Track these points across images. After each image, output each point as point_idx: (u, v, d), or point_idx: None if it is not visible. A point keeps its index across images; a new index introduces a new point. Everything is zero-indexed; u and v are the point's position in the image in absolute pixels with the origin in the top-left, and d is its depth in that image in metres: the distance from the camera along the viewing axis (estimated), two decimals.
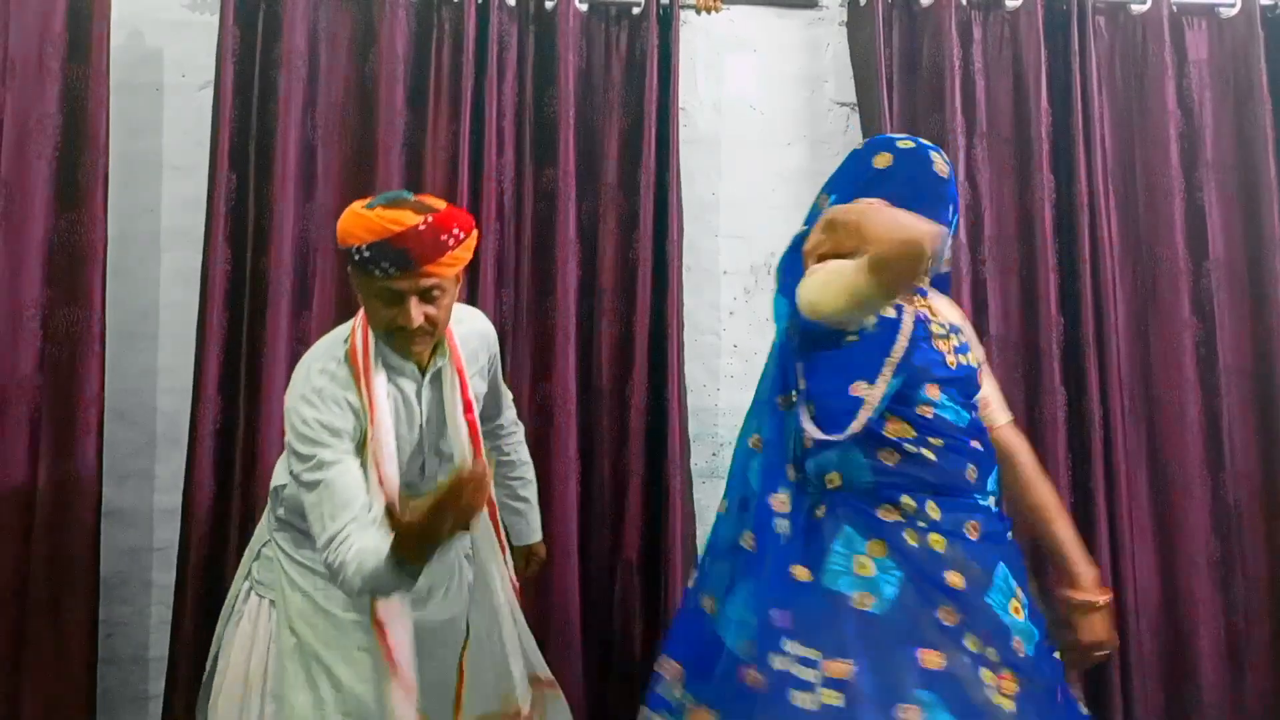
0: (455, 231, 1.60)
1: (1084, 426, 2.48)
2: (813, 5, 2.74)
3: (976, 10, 2.65)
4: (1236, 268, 2.63)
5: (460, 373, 1.75)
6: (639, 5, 2.55)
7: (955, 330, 1.66)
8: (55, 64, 2.34)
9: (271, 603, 1.78)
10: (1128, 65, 2.68)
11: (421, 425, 1.73)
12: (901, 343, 1.56)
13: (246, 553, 1.87)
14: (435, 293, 1.61)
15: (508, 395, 2.07)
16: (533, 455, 2.43)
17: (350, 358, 1.65)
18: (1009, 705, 1.44)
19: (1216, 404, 2.57)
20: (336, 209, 2.42)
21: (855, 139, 2.71)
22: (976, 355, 1.70)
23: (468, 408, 1.76)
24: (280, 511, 1.78)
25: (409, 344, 1.65)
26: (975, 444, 1.59)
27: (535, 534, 2.10)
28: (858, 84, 2.69)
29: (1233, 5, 2.67)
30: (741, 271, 2.68)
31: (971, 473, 1.57)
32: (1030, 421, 2.51)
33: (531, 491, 2.09)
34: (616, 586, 2.42)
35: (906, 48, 2.63)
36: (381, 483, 1.62)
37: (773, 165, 2.71)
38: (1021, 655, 1.49)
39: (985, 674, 1.45)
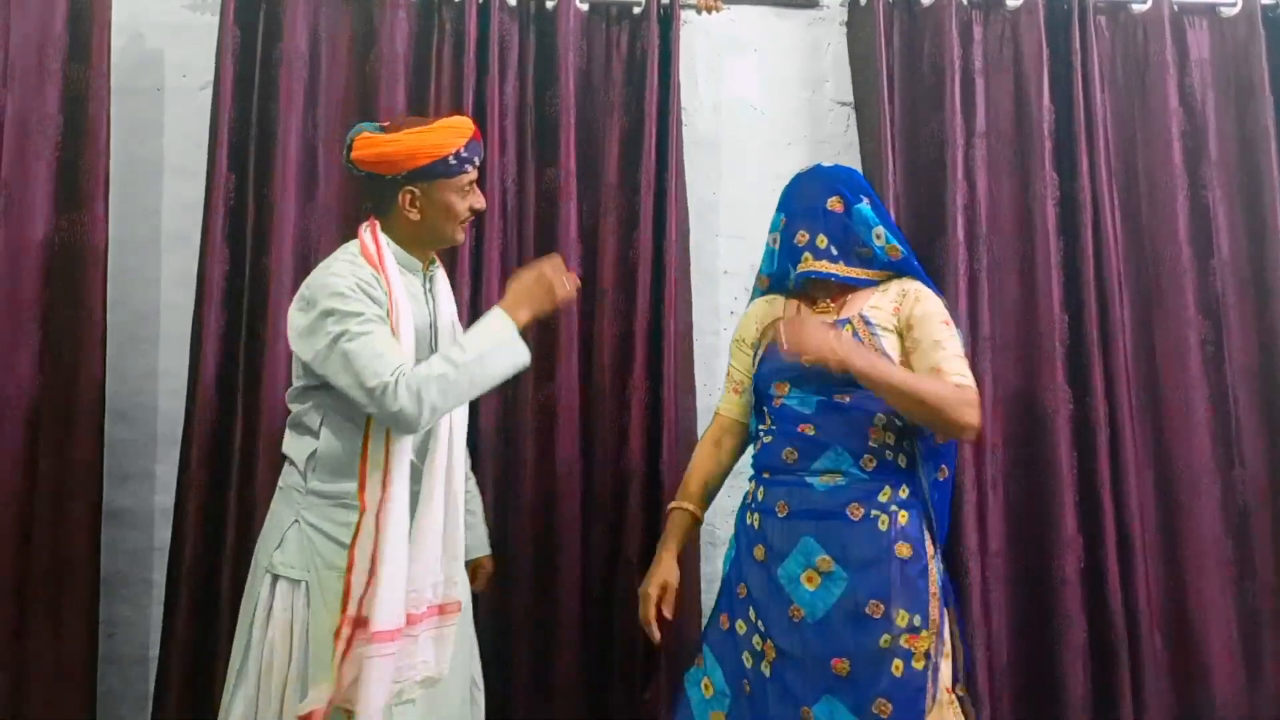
0: None
1: (1089, 425, 2.47)
2: (813, 5, 2.74)
3: (977, 9, 2.64)
4: (1241, 266, 2.62)
5: (449, 294, 1.93)
6: (640, 5, 2.56)
7: (838, 325, 1.84)
8: (56, 65, 2.35)
9: (306, 585, 1.73)
10: (1129, 64, 2.67)
11: (429, 322, 1.85)
12: (740, 360, 2.03)
13: (260, 547, 1.81)
14: None
15: None
16: (536, 454, 2.45)
17: (365, 257, 1.77)
18: (767, 671, 1.77)
19: (1224, 402, 2.56)
20: (337, 209, 2.45)
21: (855, 139, 2.71)
22: (882, 342, 1.83)
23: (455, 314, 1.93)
24: (314, 482, 1.76)
25: (462, 230, 1.87)
26: (804, 428, 1.84)
27: (484, 548, 2.09)
28: (856, 85, 2.69)
29: (1233, 4, 2.67)
30: (741, 272, 2.68)
31: (790, 454, 1.84)
32: (1034, 420, 2.51)
33: (478, 504, 2.08)
34: (617, 586, 2.41)
35: (907, 47, 2.63)
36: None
37: (773, 165, 2.70)
38: (796, 621, 1.76)
39: (756, 640, 1.80)
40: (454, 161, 1.81)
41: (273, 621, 1.72)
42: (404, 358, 1.69)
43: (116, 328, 2.37)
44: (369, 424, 1.71)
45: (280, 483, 1.82)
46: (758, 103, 2.72)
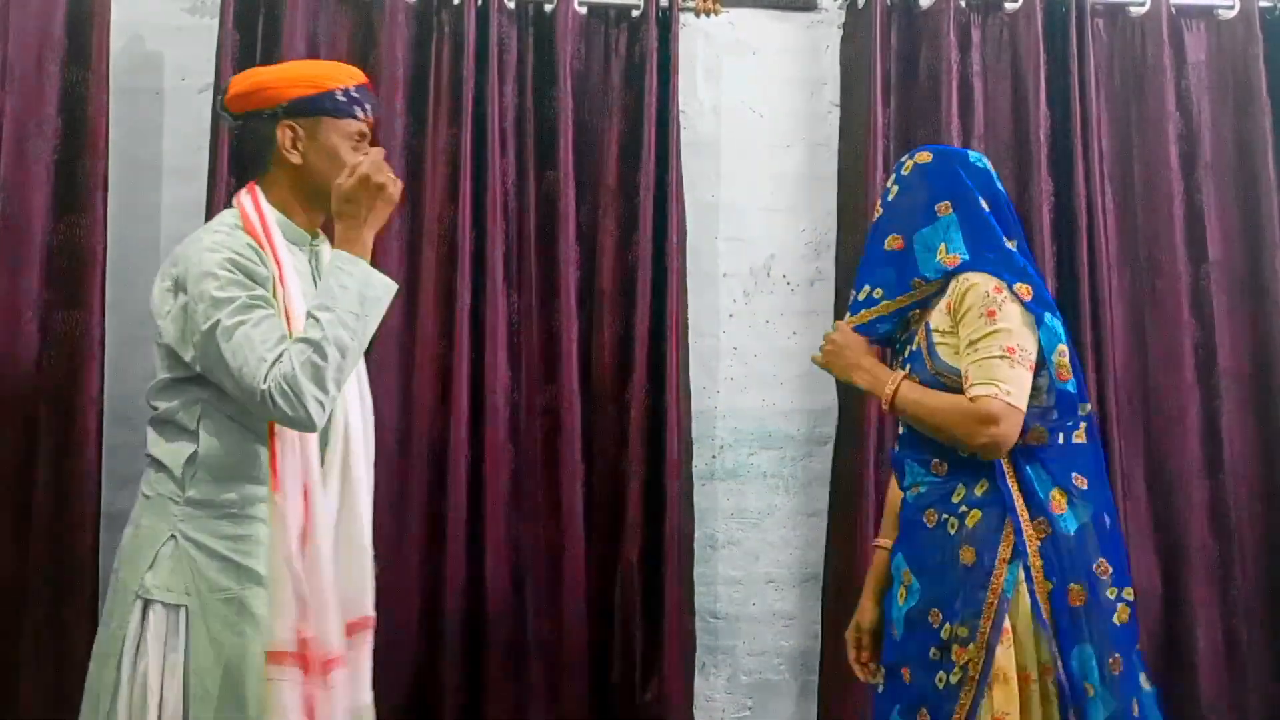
0: None
1: None
2: (812, 8, 2.74)
3: (975, 13, 2.65)
4: (1235, 270, 2.63)
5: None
6: (638, 8, 2.56)
7: (911, 337, 1.75)
8: (55, 68, 2.34)
9: (185, 611, 1.51)
10: (1126, 67, 2.68)
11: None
12: None
13: (124, 567, 1.55)
14: None
15: None
16: (538, 458, 2.46)
17: (246, 228, 1.56)
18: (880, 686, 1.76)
19: (1215, 406, 2.57)
20: None
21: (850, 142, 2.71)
22: (935, 342, 1.71)
23: None
24: (194, 490, 1.53)
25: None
26: (896, 446, 1.81)
27: None
28: (844, 88, 2.68)
29: (1231, 7, 2.67)
30: (741, 274, 2.68)
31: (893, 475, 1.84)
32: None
33: None
34: (618, 588, 2.42)
35: (905, 50, 2.63)
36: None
37: (772, 168, 2.71)
38: (894, 639, 1.72)
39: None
40: (341, 98, 1.62)
41: (145, 654, 1.49)
42: (281, 346, 1.47)
43: (116, 330, 2.37)
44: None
45: (145, 491, 1.57)
46: (757, 105, 2.72)
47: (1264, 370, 2.58)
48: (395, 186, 1.58)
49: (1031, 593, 1.58)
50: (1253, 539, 2.55)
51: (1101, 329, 2.50)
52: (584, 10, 2.56)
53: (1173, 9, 2.67)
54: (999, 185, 1.79)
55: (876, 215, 1.82)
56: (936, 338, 1.67)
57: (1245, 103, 2.65)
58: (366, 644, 1.63)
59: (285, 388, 1.45)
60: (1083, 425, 1.70)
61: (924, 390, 1.66)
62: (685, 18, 2.63)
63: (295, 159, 1.61)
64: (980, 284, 1.64)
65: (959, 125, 2.57)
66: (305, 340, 1.48)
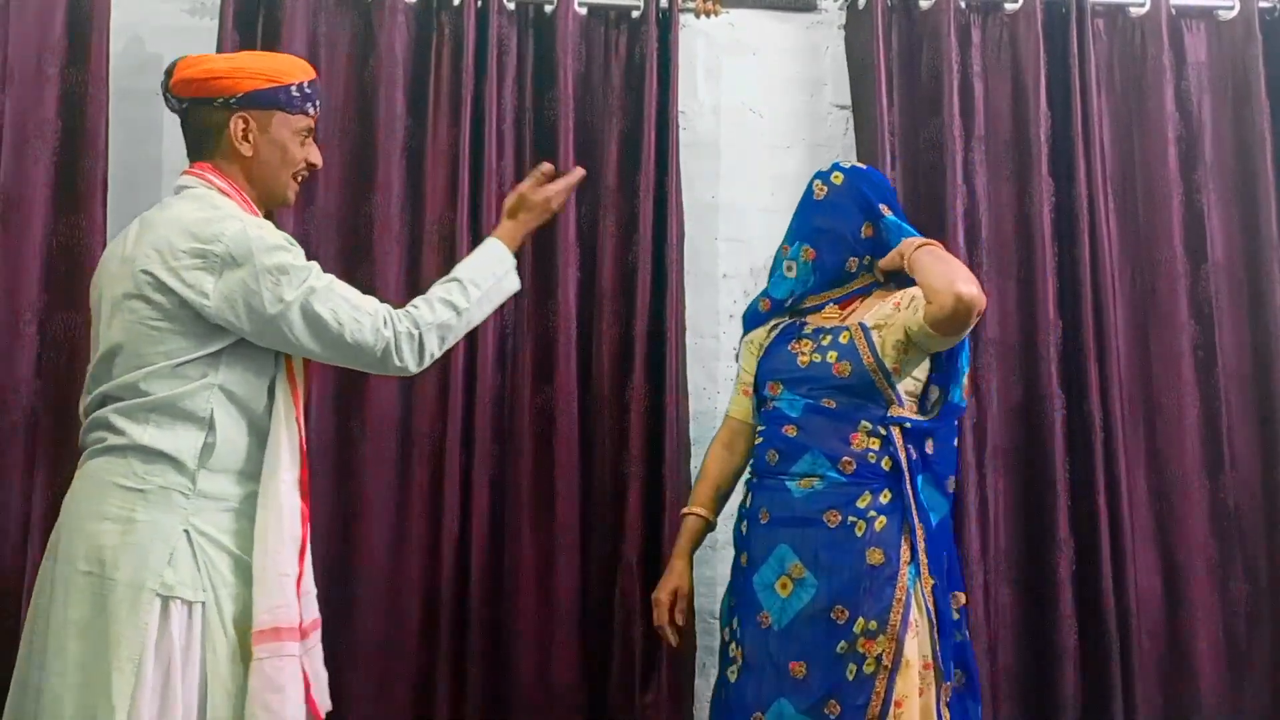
0: None
1: (1083, 429, 2.48)
2: (812, 8, 2.74)
3: (975, 13, 2.65)
4: (1235, 270, 2.63)
5: None
6: (638, 9, 2.56)
7: (834, 331, 1.90)
8: (54, 69, 2.34)
9: (202, 607, 1.49)
10: (1126, 68, 2.68)
11: None
12: (746, 362, 2.07)
13: (134, 564, 1.46)
14: None
15: None
16: (535, 458, 2.45)
17: (247, 209, 1.61)
18: (732, 677, 1.83)
19: (1215, 406, 2.57)
20: (337, 214, 2.45)
21: (854, 143, 2.71)
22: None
23: None
24: (206, 482, 1.51)
25: (294, 187, 1.70)
26: (788, 430, 1.87)
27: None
28: (854, 89, 2.69)
29: (1231, 8, 2.67)
30: (741, 275, 2.68)
31: (772, 456, 1.89)
32: (1029, 425, 2.51)
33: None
34: (617, 588, 2.41)
35: (905, 51, 2.63)
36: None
37: (772, 169, 2.71)
38: (764, 628, 1.80)
39: (732, 647, 1.86)
40: (295, 94, 1.63)
41: (165, 649, 1.45)
42: (375, 301, 1.59)
43: None
44: (281, 397, 1.54)
45: (140, 484, 1.48)
46: (757, 106, 2.72)
47: (1264, 370, 2.58)
48: (560, 202, 1.79)
49: (922, 590, 1.78)
50: (1253, 539, 2.55)
51: (1103, 329, 2.50)
52: (584, 11, 2.56)
53: (1173, 10, 2.67)
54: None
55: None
56: (873, 332, 1.84)
57: (1245, 103, 2.64)
58: (318, 644, 1.63)
59: (415, 334, 1.57)
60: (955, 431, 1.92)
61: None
62: (685, 18, 2.63)
63: (246, 150, 1.62)
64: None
65: (960, 125, 2.57)
66: (449, 303, 1.61)
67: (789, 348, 1.94)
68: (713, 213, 2.68)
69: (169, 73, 1.64)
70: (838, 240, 1.93)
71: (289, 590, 1.52)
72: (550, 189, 1.78)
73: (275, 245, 1.53)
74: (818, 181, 1.98)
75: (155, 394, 1.51)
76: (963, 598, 1.86)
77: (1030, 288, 2.54)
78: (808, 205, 1.99)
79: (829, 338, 1.89)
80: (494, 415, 2.42)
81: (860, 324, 1.87)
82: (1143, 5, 2.65)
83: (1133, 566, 2.45)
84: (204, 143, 1.64)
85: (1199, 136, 2.65)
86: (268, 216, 1.69)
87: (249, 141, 1.61)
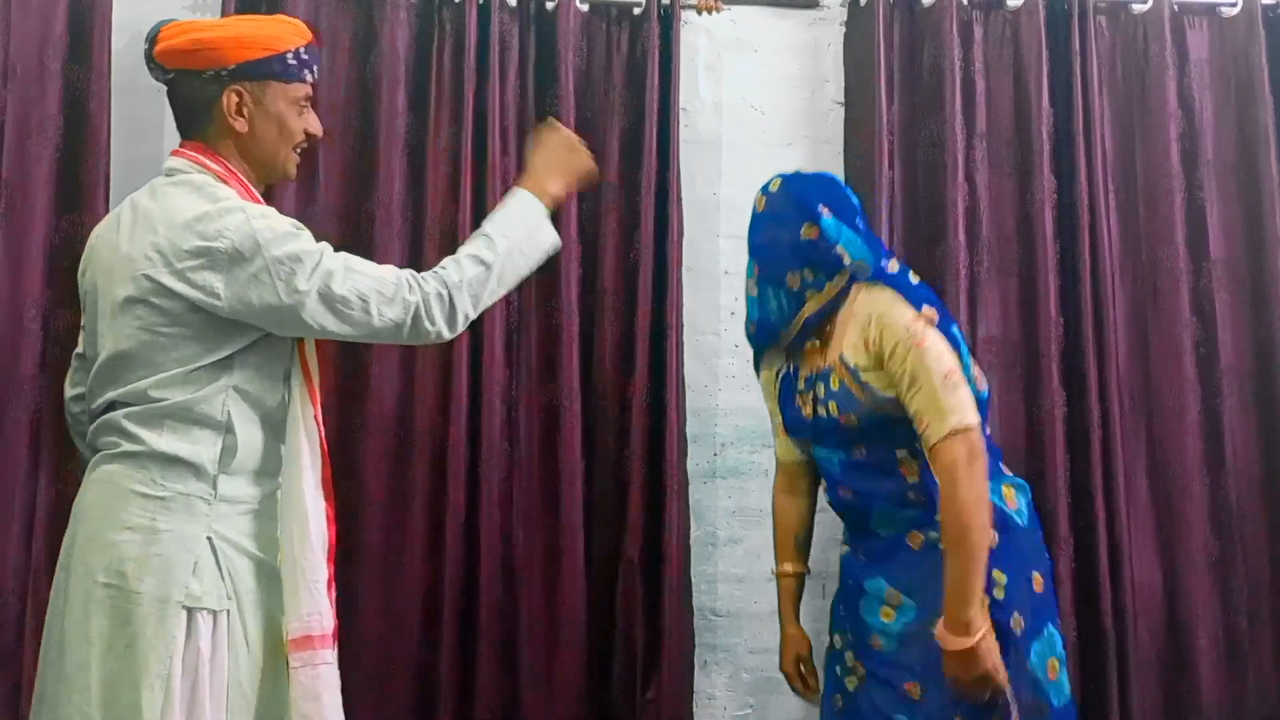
0: None
1: (1083, 427, 2.48)
2: (814, 6, 2.74)
3: (977, 10, 2.64)
4: (1237, 268, 2.62)
5: None
6: (640, 6, 2.55)
7: (824, 375, 1.76)
8: (56, 66, 2.34)
9: (226, 615, 1.45)
10: (1129, 65, 2.67)
11: None
12: (771, 405, 1.92)
13: (156, 575, 1.41)
14: None
15: None
16: (538, 455, 2.46)
17: (244, 192, 1.51)
18: (852, 686, 1.78)
19: (1216, 404, 2.57)
20: (338, 211, 2.45)
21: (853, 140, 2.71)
22: (863, 386, 1.71)
23: None
24: (228, 487, 1.47)
25: (295, 160, 1.59)
26: (843, 493, 1.81)
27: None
28: (849, 86, 2.68)
29: (1234, 4, 2.67)
30: (742, 271, 2.66)
31: (843, 517, 1.86)
32: (1029, 422, 2.52)
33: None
34: (619, 587, 2.42)
35: (907, 48, 2.63)
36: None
37: (773, 166, 2.67)
38: (877, 649, 1.74)
39: (849, 656, 1.80)
40: (292, 61, 1.51)
41: (193, 662, 1.40)
42: (395, 269, 1.50)
43: None
44: (298, 396, 1.49)
45: (161, 492, 1.43)
46: (758, 103, 2.72)
47: (1265, 368, 2.58)
48: (590, 161, 1.65)
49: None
50: (1254, 537, 2.55)
51: (1103, 326, 2.50)
52: (585, 7, 2.56)
53: (1175, 6, 2.67)
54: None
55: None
56: (862, 374, 1.69)
57: (1247, 100, 2.64)
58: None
59: (445, 294, 1.48)
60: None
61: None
62: (687, 15, 2.63)
63: (241, 126, 1.51)
64: (889, 313, 1.69)
65: (961, 122, 2.57)
66: (476, 258, 1.52)
67: (795, 402, 1.83)
68: (714, 210, 2.69)
69: (151, 39, 1.51)
70: (776, 249, 1.77)
71: (320, 597, 1.47)
72: (566, 131, 1.66)
73: (283, 234, 1.44)
74: (759, 194, 1.86)
75: (169, 400, 1.45)
76: (1040, 580, 1.72)
77: (1031, 285, 2.54)
78: (752, 221, 1.86)
79: (822, 386, 1.76)
80: (495, 413, 2.42)
81: (843, 361, 1.72)
82: (1145, 2, 2.65)
83: (1132, 564, 2.46)
84: (194, 118, 1.53)
85: (1201, 134, 2.65)
86: (267, 193, 1.62)
87: (244, 117, 1.50)
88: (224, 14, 2.38)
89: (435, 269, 1.55)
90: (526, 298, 2.49)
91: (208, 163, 1.52)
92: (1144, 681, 2.45)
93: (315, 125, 1.59)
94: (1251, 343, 2.60)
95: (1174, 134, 2.63)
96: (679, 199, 2.51)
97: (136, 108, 2.50)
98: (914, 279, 1.81)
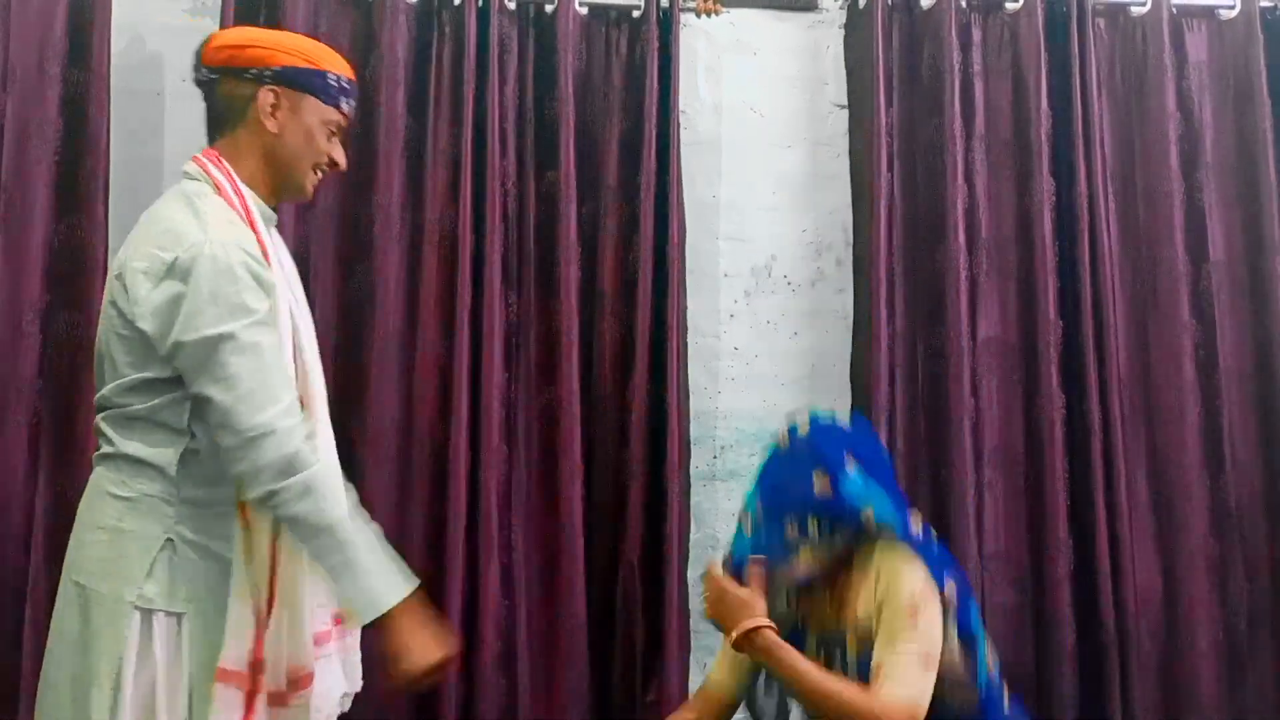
0: None
1: (1083, 429, 2.48)
2: (813, 8, 2.74)
3: (976, 13, 2.64)
4: (1236, 270, 2.63)
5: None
6: (639, 8, 2.55)
7: (838, 640, 1.67)
8: (55, 69, 2.33)
9: (185, 618, 1.42)
10: (1128, 67, 2.68)
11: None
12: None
13: (110, 576, 1.41)
14: None
15: None
16: (538, 458, 2.46)
17: (248, 220, 1.47)
18: None
19: (1216, 406, 2.57)
20: (337, 214, 2.45)
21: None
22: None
23: None
24: (189, 489, 1.44)
25: (314, 180, 1.59)
26: None
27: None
28: (850, 88, 2.69)
29: (1232, 7, 2.67)
30: (742, 274, 2.68)
31: None
32: (1028, 425, 2.52)
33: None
34: (619, 589, 2.42)
35: (906, 50, 2.63)
36: (296, 356, 1.47)
37: (773, 168, 2.71)
38: None
39: None
40: (333, 83, 1.54)
41: (148, 668, 1.39)
42: (293, 393, 1.41)
43: None
44: (307, 402, 1.46)
45: (129, 493, 1.43)
46: (757, 105, 2.72)
47: (1265, 369, 2.58)
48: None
49: None
50: (1254, 538, 2.55)
51: (1103, 329, 2.50)
52: (585, 11, 2.56)
53: (1173, 9, 2.67)
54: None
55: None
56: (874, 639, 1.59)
57: (1246, 103, 2.64)
58: (354, 634, 1.58)
59: (286, 450, 1.37)
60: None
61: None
62: (686, 18, 2.63)
63: (272, 126, 1.51)
64: (905, 575, 1.59)
65: (960, 125, 2.57)
66: (331, 523, 1.41)
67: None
68: (714, 212, 2.69)
69: (203, 44, 1.54)
70: (783, 495, 1.67)
71: (247, 634, 1.42)
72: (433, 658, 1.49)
73: (224, 269, 1.38)
74: (782, 430, 1.75)
75: (132, 405, 1.45)
76: None
77: (1031, 287, 2.54)
78: (769, 455, 1.77)
79: (837, 650, 1.66)
80: (495, 416, 2.42)
81: (857, 622, 1.62)
82: (1144, 5, 2.65)
83: (1132, 566, 2.46)
84: (227, 117, 1.53)
85: (1200, 136, 2.65)
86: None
87: (276, 118, 1.51)
88: (223, 18, 2.38)
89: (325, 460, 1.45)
90: (526, 300, 2.49)
91: (213, 171, 1.51)
92: (1144, 682, 2.45)
93: (340, 156, 1.60)
94: (1251, 344, 2.60)
95: (1173, 136, 2.63)
96: (679, 201, 2.51)
97: (136, 111, 2.50)
98: (933, 540, 1.70)
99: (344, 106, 1.58)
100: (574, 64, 2.52)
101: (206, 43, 1.55)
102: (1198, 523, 2.54)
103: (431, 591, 2.33)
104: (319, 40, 2.41)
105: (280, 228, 2.34)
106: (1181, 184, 2.62)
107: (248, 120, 1.52)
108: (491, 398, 2.39)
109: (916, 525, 1.69)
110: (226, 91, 1.53)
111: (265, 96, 1.51)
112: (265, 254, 1.46)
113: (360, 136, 2.47)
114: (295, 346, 1.50)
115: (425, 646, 1.45)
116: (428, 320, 2.41)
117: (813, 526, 1.63)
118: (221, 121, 1.55)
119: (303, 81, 1.53)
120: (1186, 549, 2.53)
